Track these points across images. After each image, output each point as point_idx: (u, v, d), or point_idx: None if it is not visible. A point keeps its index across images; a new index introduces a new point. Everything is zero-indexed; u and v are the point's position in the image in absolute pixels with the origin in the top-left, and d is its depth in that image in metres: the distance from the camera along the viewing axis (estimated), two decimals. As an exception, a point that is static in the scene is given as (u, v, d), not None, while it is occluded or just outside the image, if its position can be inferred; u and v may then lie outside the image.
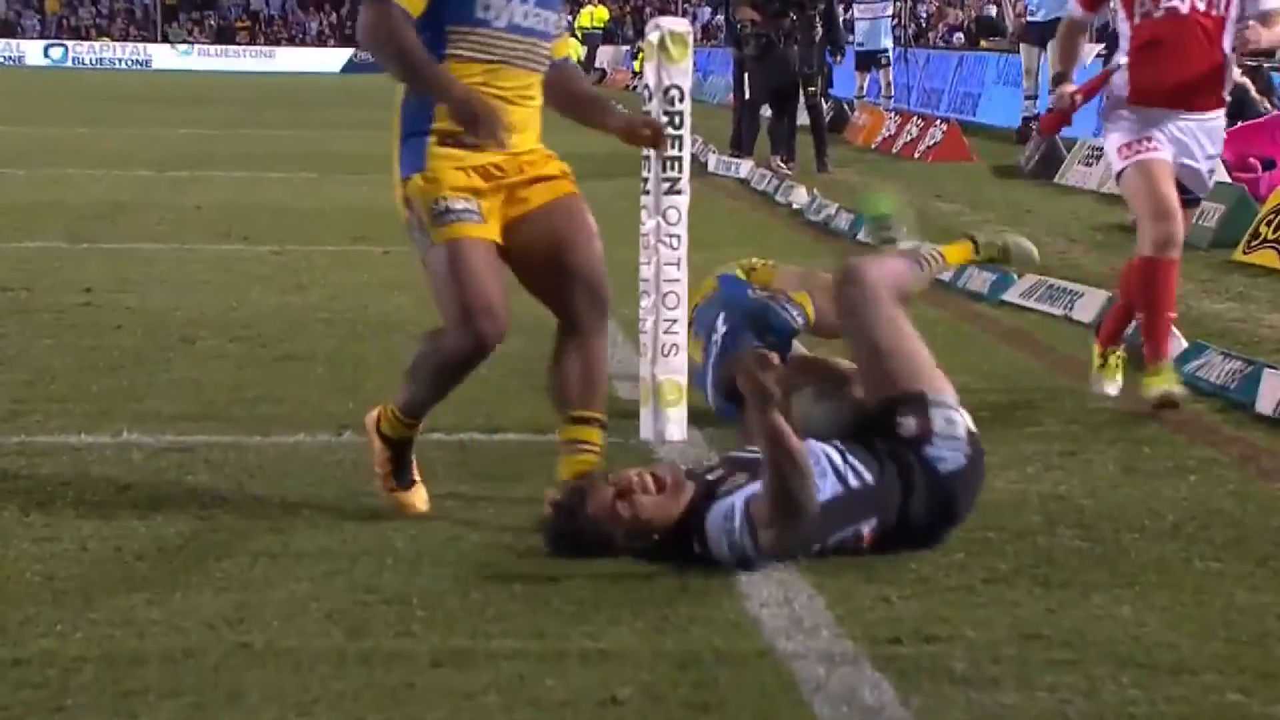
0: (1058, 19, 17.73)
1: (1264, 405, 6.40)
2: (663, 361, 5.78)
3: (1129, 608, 4.10)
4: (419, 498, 4.91)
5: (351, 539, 4.68)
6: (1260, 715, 3.47)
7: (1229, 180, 11.97)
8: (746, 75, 17.12)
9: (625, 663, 3.72)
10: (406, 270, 10.00)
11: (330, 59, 52.79)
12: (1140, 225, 6.34)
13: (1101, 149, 15.91)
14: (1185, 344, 7.36)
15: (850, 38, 23.32)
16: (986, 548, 4.61)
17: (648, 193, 5.73)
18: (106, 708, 3.46)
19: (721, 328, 6.04)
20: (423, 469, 4.97)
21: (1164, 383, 6.34)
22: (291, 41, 57.71)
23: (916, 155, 19.14)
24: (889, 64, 24.70)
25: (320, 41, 57.79)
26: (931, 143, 19.14)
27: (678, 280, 5.75)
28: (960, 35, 34.16)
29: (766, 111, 17.32)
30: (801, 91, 17.04)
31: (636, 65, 35.14)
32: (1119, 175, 6.39)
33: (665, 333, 5.79)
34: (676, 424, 5.79)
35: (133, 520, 4.83)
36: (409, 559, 4.48)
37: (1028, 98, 17.96)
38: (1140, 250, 6.33)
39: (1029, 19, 18.12)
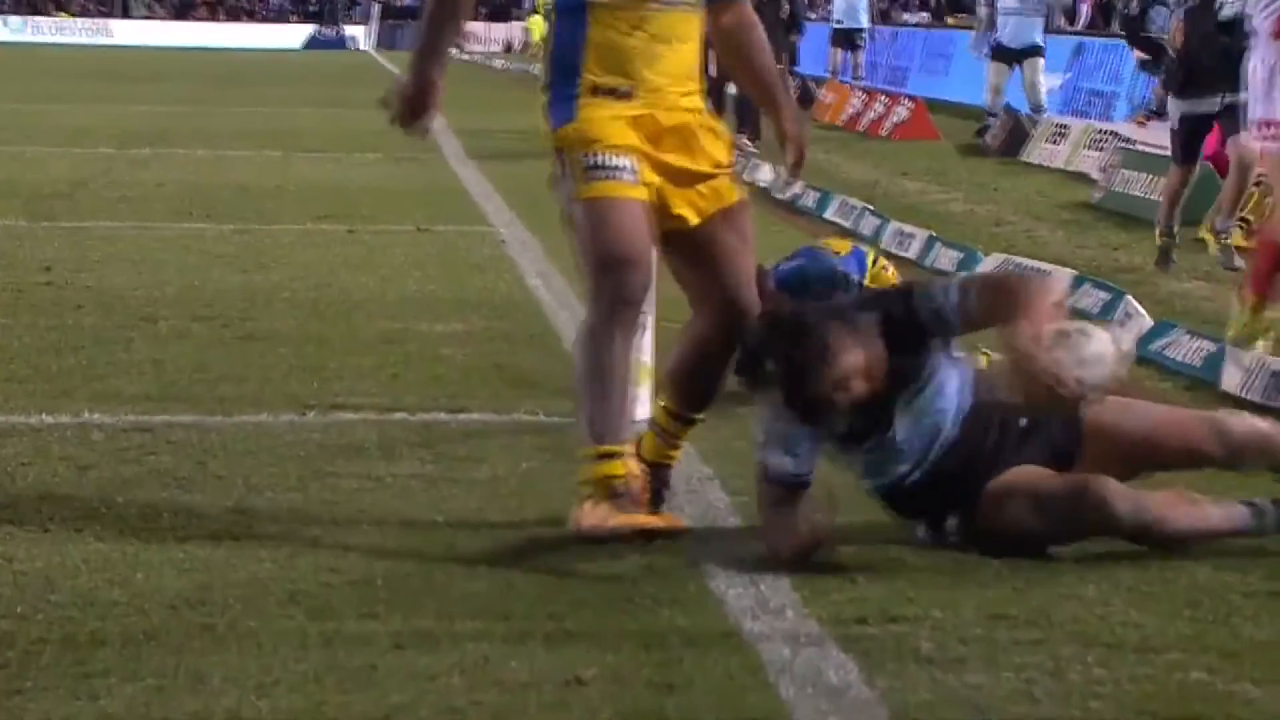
0: (1031, 45, 17.73)
1: (1229, 384, 6.42)
2: (628, 341, 5.74)
3: (1095, 587, 4.10)
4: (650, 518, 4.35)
5: (314, 520, 4.64)
6: (1224, 694, 3.47)
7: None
8: (712, 52, 17.06)
9: (590, 643, 3.70)
10: (370, 249, 9.96)
11: (292, 35, 52.51)
12: (1275, 205, 6.24)
13: (1066, 126, 16.06)
14: (1151, 322, 7.38)
15: (812, 16, 23.23)
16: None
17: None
18: (67, 690, 3.42)
19: (788, 266, 6.20)
20: (385, 449, 4.93)
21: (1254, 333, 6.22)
22: (253, 17, 57.33)
23: (882, 133, 19.15)
24: (863, 45, 24.67)
25: (282, 17, 57.41)
26: (897, 120, 19.16)
27: (645, 259, 5.71)
28: (926, 15, 34.18)
29: (732, 89, 17.28)
30: (767, 69, 16.98)
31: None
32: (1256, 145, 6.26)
33: (631, 312, 5.75)
34: (641, 403, 5.76)
35: (94, 501, 4.78)
36: (372, 540, 4.45)
37: (989, 114, 17.85)
38: (1272, 229, 6.22)
39: (999, 42, 17.96)
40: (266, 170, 14.55)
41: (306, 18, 56.88)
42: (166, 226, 10.86)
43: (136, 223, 11.00)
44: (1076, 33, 24.03)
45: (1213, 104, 9.53)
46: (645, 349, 5.81)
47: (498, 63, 40.83)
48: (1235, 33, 9.19)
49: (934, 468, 4.39)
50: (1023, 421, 4.45)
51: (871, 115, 19.91)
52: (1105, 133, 15.18)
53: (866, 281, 6.26)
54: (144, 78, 29.43)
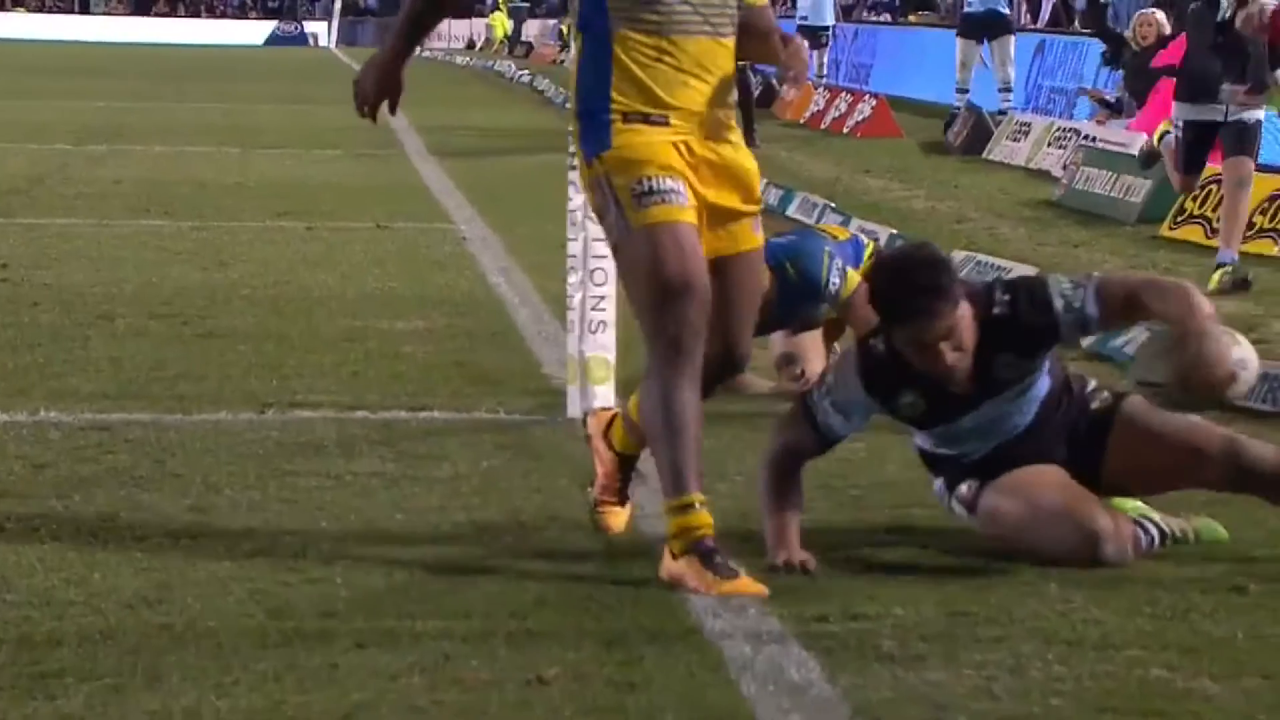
0: (992, 10, 17.84)
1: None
2: (590, 338, 5.75)
3: (1055, 584, 4.11)
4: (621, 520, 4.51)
5: (274, 518, 4.62)
6: (1183, 690, 3.48)
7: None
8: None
9: (551, 642, 3.69)
10: (330, 246, 9.92)
11: (253, 31, 52.30)
12: None
13: (1028, 124, 16.11)
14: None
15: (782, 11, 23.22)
16: (914, 525, 4.61)
17: (574, 168, 5.68)
18: (23, 690, 3.39)
19: (777, 240, 6.15)
20: (345, 448, 4.91)
21: None
22: (213, 13, 57.08)
23: (845, 131, 19.17)
24: (828, 43, 24.69)
25: (242, 13, 57.18)
26: (860, 118, 19.17)
27: (605, 256, 5.69)
28: (888, 15, 34.26)
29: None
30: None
31: (565, 38, 35.02)
32: None
33: (593, 309, 5.76)
34: (603, 401, 5.76)
35: (50, 500, 4.75)
36: (333, 538, 4.43)
37: (959, 90, 17.88)
38: None
39: (965, 10, 18.04)
40: (225, 167, 14.48)
41: (267, 14, 56.64)
42: (124, 223, 10.79)
43: (94, 220, 10.93)
44: (1038, 30, 24.10)
45: (1217, 111, 9.30)
46: (609, 345, 5.81)
47: (460, 59, 40.74)
48: (1229, 36, 9.10)
49: (994, 452, 4.41)
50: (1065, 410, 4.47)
51: (834, 113, 19.92)
52: (1067, 130, 15.23)
53: (869, 248, 6.26)
54: (102, 73, 29.26)
